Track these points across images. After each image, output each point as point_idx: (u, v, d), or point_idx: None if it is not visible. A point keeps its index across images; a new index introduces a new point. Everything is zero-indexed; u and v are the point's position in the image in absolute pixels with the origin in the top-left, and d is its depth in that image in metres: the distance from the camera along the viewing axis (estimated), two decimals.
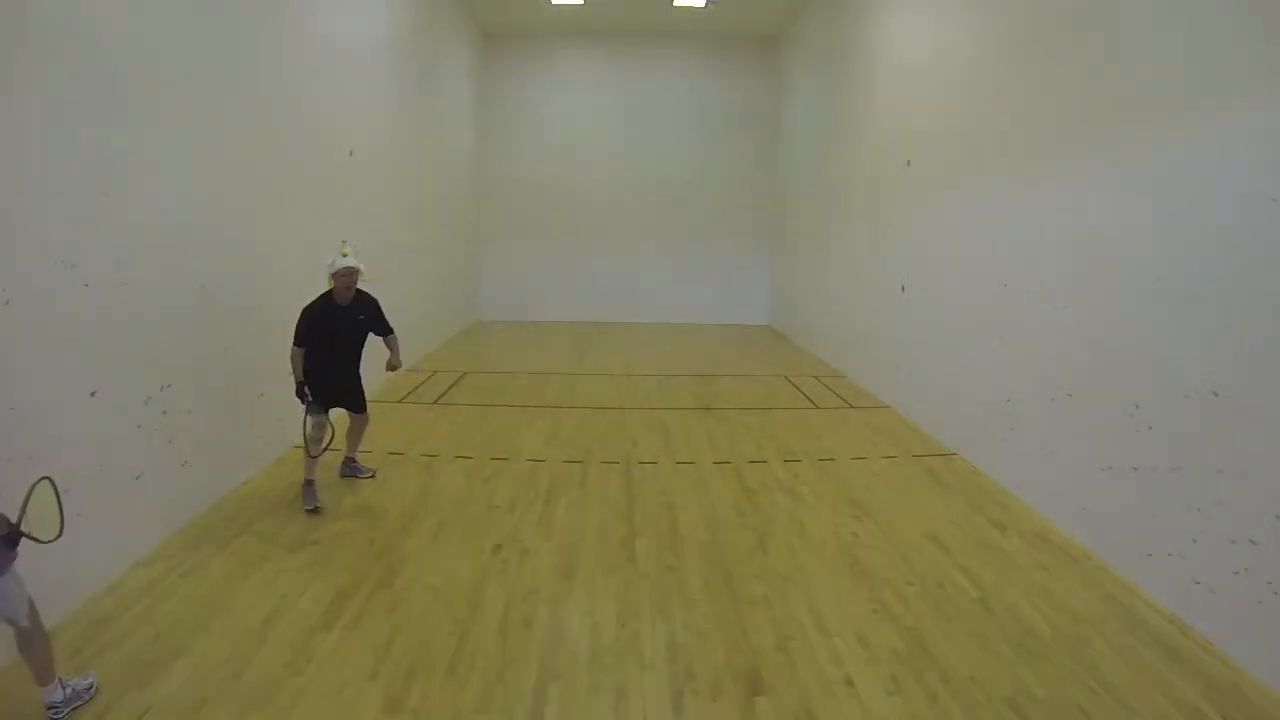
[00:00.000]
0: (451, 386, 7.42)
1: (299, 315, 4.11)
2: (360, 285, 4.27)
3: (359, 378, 4.51)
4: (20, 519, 1.82)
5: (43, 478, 1.88)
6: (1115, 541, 3.61)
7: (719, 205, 12.86)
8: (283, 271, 4.82)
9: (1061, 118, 4.20)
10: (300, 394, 4.12)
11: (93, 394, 3.14)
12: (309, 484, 4.17)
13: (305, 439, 4.11)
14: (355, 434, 4.67)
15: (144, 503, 3.50)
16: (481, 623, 3.01)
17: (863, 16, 7.98)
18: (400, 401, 6.70)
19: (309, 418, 4.11)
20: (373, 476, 4.69)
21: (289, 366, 4.15)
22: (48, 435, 2.87)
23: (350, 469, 4.70)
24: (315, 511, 4.07)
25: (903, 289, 6.64)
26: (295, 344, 4.09)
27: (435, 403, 6.74)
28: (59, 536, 1.89)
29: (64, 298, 2.98)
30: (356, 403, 4.54)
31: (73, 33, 3.02)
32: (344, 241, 4.27)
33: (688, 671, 2.71)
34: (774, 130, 12.61)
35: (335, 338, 4.22)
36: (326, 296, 4.20)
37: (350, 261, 4.15)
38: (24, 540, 1.98)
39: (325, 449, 4.16)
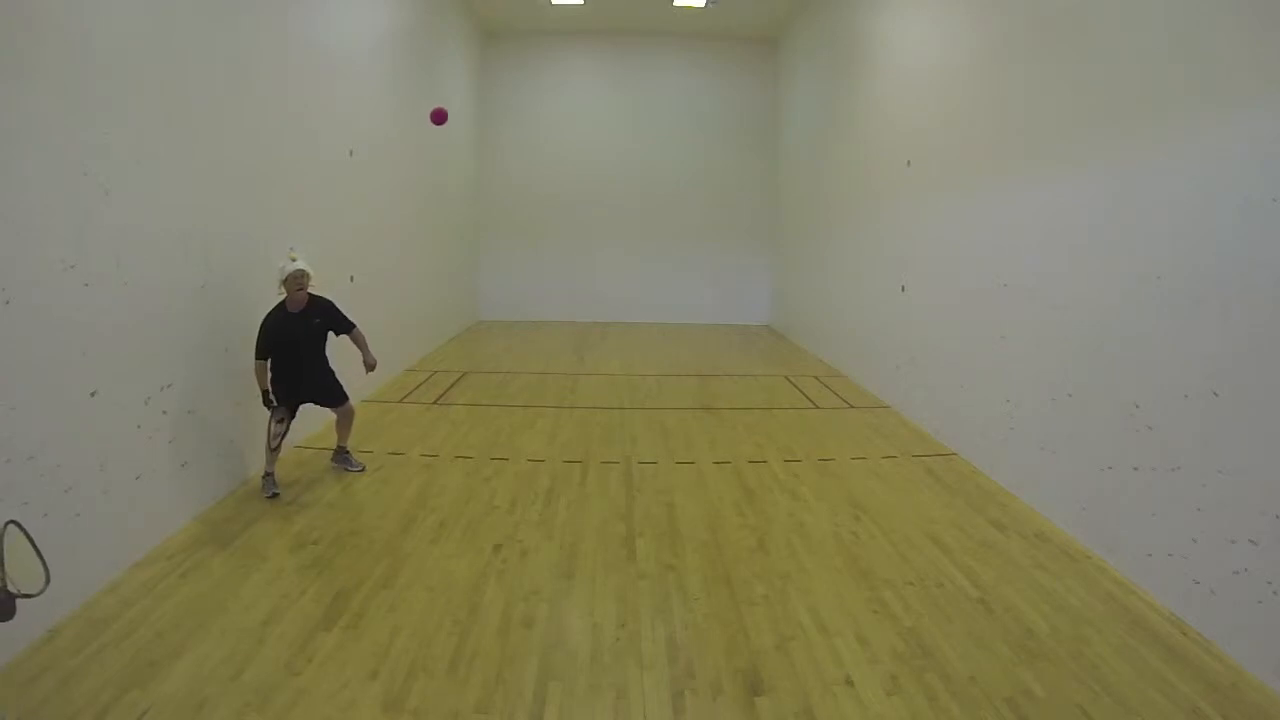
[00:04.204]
0: (451, 386, 7.42)
1: (259, 327, 4.19)
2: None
3: (329, 373, 4.60)
4: (3, 579, 1.51)
5: (8, 522, 1.57)
6: (1115, 541, 3.61)
7: (719, 205, 12.86)
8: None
9: (1061, 118, 4.20)
10: (266, 402, 4.21)
11: (93, 394, 3.14)
12: (267, 475, 4.30)
13: (267, 434, 4.26)
14: (343, 424, 4.76)
15: (144, 503, 3.50)
16: (481, 623, 3.01)
17: (862, 17, 7.98)
18: (400, 401, 6.70)
19: (272, 417, 4.24)
20: (362, 470, 4.75)
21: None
22: (48, 435, 2.87)
23: (340, 459, 4.79)
24: (274, 498, 4.22)
25: (903, 289, 6.64)
26: (257, 357, 4.18)
27: (435, 403, 6.74)
28: (47, 583, 1.60)
29: (64, 298, 2.98)
30: (333, 397, 4.64)
31: (73, 33, 3.02)
32: (291, 248, 4.38)
33: (688, 671, 2.71)
34: (774, 130, 12.60)
35: (293, 345, 4.29)
36: (280, 306, 4.28)
37: (301, 265, 4.25)
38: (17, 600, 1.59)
39: (281, 441, 4.28)
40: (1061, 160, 4.17)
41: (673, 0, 10.76)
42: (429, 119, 5.70)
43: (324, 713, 2.44)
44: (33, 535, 1.58)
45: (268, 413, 4.26)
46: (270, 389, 4.24)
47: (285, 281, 4.22)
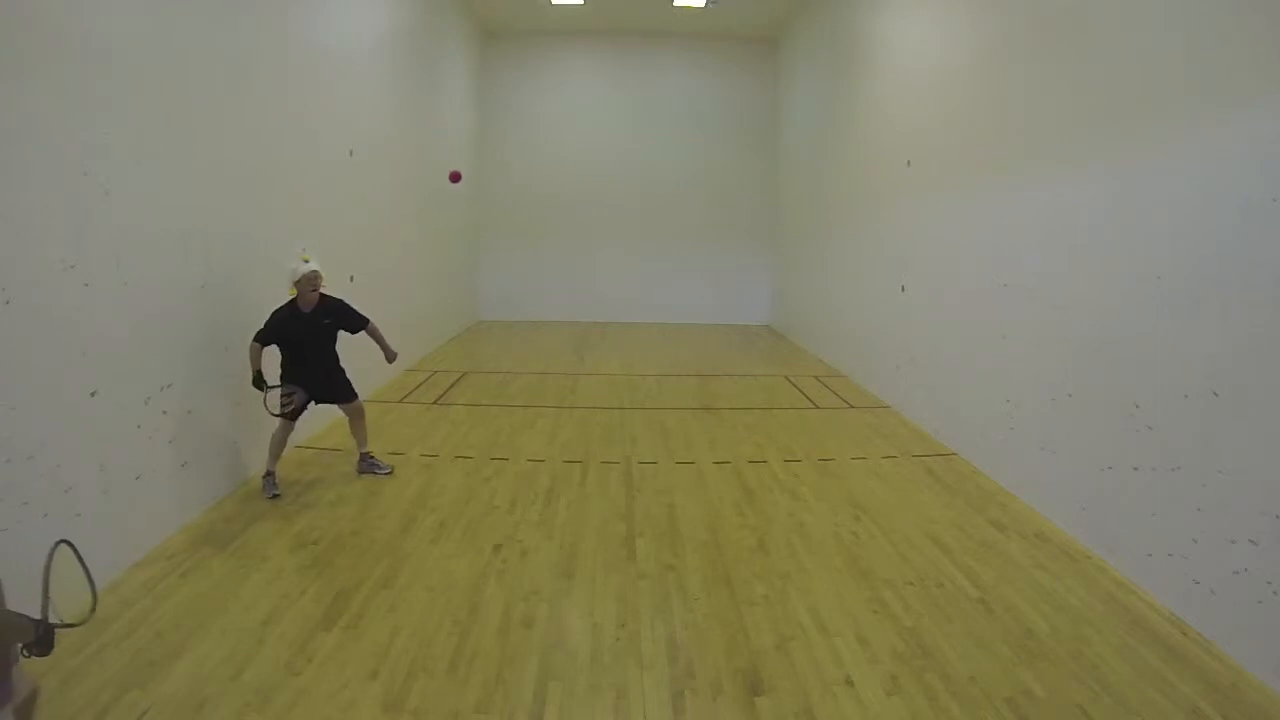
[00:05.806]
0: (451, 386, 7.42)
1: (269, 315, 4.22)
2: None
3: (339, 369, 4.59)
4: (45, 610, 1.34)
5: (59, 542, 1.42)
6: (1115, 541, 3.61)
7: (719, 205, 12.86)
8: (283, 271, 4.82)
9: (1061, 118, 4.20)
10: (256, 384, 4.18)
11: (93, 394, 3.14)
12: (268, 475, 4.29)
13: (266, 407, 4.21)
14: (356, 425, 4.72)
15: (144, 503, 3.50)
16: (481, 623, 3.01)
17: (862, 17, 7.98)
18: (400, 401, 6.70)
19: (271, 393, 4.23)
20: (390, 472, 4.72)
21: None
22: (48, 435, 2.87)
23: (367, 464, 4.75)
24: (275, 499, 4.21)
25: (903, 289, 6.64)
26: (255, 339, 4.18)
27: (435, 403, 6.74)
28: (93, 611, 1.45)
29: (64, 298, 2.98)
30: (343, 392, 4.61)
31: (73, 33, 3.02)
32: (303, 249, 4.39)
33: (688, 671, 2.71)
34: (774, 130, 12.61)
35: (301, 344, 4.29)
36: (290, 305, 4.29)
37: (313, 265, 4.26)
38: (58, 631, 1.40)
39: (286, 411, 4.27)
40: (1061, 160, 4.17)
41: (673, 0, 10.76)
42: (449, 179, 6.75)
43: (324, 713, 2.44)
44: (72, 554, 1.47)
45: (265, 409, 4.24)
46: (262, 371, 4.21)
47: (298, 282, 4.22)
